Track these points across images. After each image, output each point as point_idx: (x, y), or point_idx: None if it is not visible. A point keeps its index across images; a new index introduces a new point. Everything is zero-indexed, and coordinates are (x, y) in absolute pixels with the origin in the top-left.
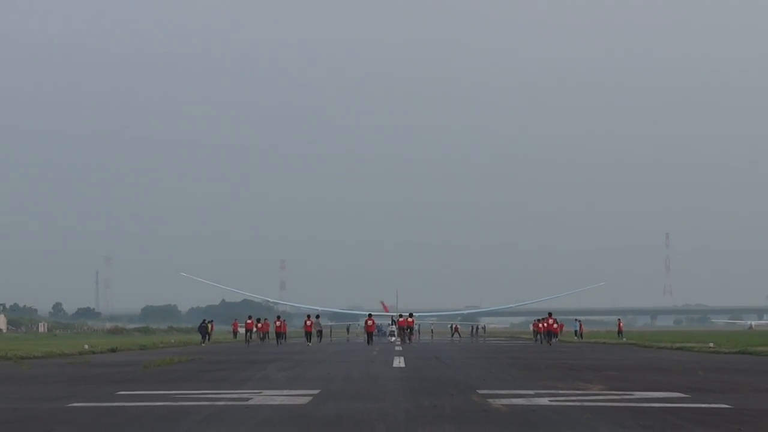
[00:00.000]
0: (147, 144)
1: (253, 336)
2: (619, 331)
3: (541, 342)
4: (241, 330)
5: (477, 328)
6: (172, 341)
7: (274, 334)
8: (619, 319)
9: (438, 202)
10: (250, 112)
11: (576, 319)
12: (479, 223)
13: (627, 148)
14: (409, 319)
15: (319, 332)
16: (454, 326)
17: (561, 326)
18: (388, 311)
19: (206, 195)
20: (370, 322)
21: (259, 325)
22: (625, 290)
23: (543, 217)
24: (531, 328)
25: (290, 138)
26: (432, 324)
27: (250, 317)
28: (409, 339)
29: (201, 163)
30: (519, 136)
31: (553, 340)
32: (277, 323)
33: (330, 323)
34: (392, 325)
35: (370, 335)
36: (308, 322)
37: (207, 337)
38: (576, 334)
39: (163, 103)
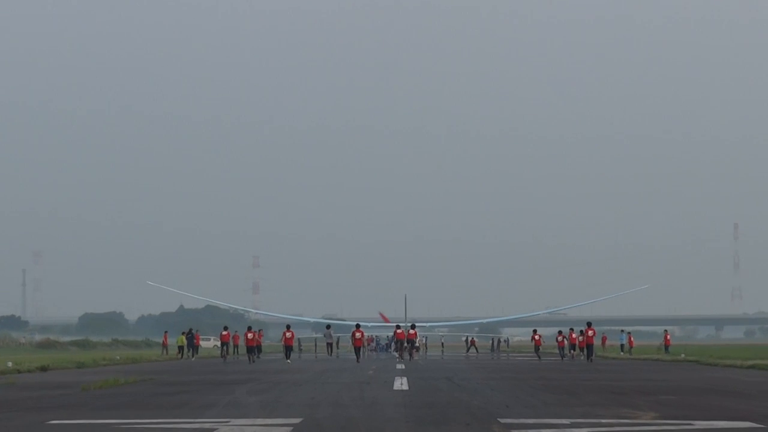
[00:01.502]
0: (86, 113)
1: (230, 350)
2: (666, 346)
3: (562, 358)
4: (204, 344)
5: (498, 341)
6: (118, 358)
7: (245, 349)
8: (665, 331)
9: (452, 192)
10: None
11: (622, 330)
12: (500, 215)
13: (684, 122)
14: (411, 331)
15: (330, 345)
16: (470, 339)
17: (572, 338)
18: (388, 322)
19: (161, 176)
20: (358, 335)
21: (250, 336)
22: (684, 294)
23: (578, 207)
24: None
25: (271, 114)
26: (442, 336)
27: (225, 328)
28: (411, 355)
29: (154, 134)
30: (562, 114)
31: (573, 352)
32: (249, 335)
33: (314, 335)
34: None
35: (357, 350)
36: (287, 334)
37: (194, 350)
38: (622, 349)
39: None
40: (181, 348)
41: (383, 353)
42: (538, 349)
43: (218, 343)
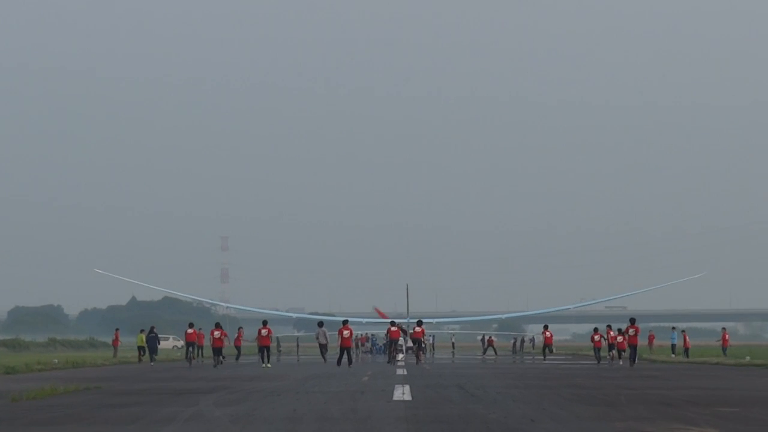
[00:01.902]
0: (17, 73)
1: (195, 352)
2: (724, 347)
3: (598, 361)
4: (161, 344)
5: (522, 340)
6: (56, 361)
7: (211, 350)
8: (723, 329)
9: (463, 163)
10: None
11: (674, 328)
12: (523, 192)
13: (742, 86)
14: (417, 329)
15: (324, 346)
16: (486, 338)
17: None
18: (385, 318)
19: (106, 146)
20: (346, 333)
21: (217, 334)
22: (749, 285)
23: (616, 183)
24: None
25: (243, 73)
26: (453, 335)
27: (191, 325)
28: (417, 358)
29: (100, 97)
30: (602, 80)
31: (613, 353)
32: (216, 334)
33: (297, 333)
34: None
35: (345, 352)
36: (263, 332)
37: (154, 352)
38: (674, 350)
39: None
40: (141, 349)
41: (381, 355)
42: (548, 348)
43: (179, 344)
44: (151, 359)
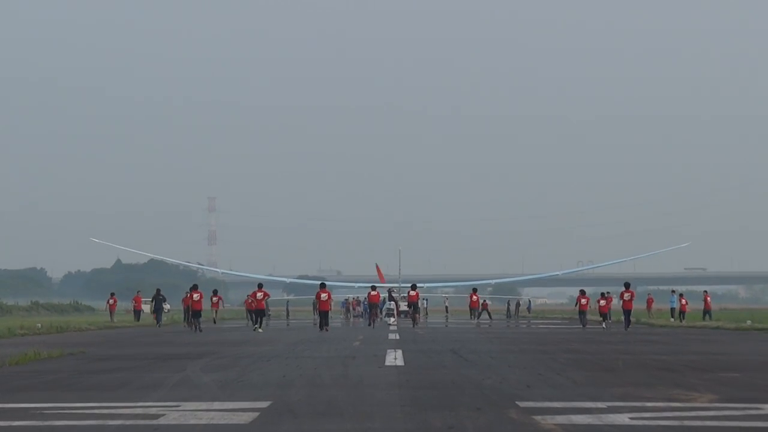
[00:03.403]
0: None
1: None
2: (706, 311)
3: (583, 326)
4: (147, 308)
5: (517, 304)
6: (39, 325)
7: (192, 313)
8: (705, 292)
9: (457, 122)
10: None
11: (673, 291)
12: (517, 151)
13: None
14: (412, 293)
15: (325, 313)
16: (481, 302)
17: (609, 300)
18: (384, 281)
19: (88, 102)
20: (324, 296)
21: (196, 297)
22: (750, 246)
23: (610, 138)
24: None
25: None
26: (446, 299)
27: (192, 288)
28: (414, 321)
29: (83, 52)
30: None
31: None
32: (195, 296)
33: (286, 297)
34: (391, 301)
35: (323, 316)
36: (259, 295)
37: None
38: (673, 314)
39: None
40: (155, 312)
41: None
42: (473, 312)
43: (165, 308)
44: (158, 322)
